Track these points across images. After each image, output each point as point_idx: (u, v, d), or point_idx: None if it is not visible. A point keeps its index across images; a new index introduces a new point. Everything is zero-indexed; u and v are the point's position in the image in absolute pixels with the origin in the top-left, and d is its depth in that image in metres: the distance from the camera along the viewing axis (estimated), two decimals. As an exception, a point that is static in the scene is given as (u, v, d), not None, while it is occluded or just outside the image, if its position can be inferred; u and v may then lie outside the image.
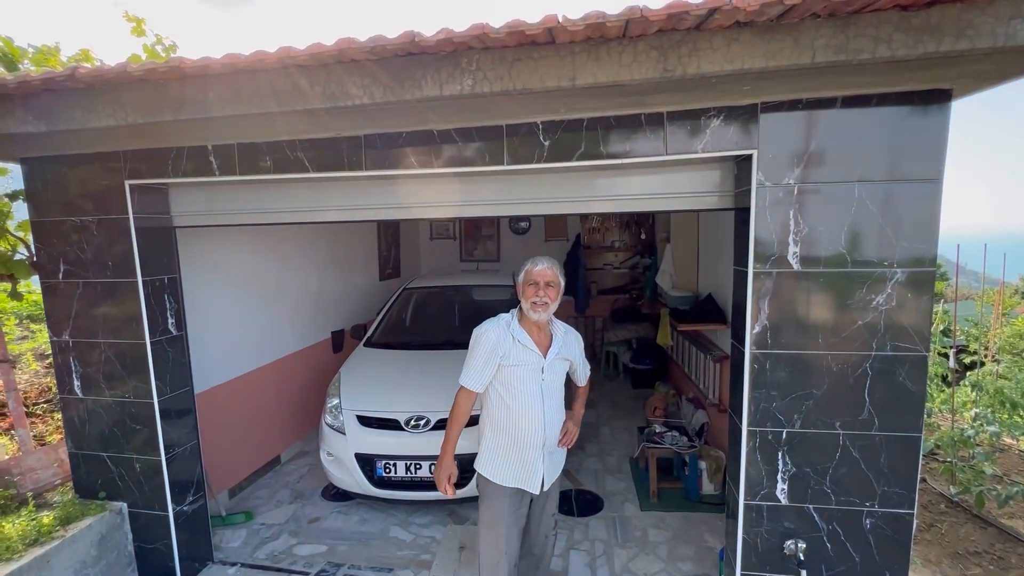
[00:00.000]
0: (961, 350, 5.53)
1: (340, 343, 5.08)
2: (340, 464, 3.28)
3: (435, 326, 4.58)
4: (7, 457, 2.93)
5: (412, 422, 3.21)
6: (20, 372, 4.15)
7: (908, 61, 1.52)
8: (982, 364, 5.28)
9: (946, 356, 4.21)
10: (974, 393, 4.21)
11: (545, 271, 2.09)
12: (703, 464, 3.49)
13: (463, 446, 3.12)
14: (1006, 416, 3.82)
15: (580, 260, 6.83)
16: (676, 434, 3.71)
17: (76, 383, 2.70)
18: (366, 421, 3.29)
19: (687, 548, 2.99)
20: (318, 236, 4.81)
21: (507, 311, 2.22)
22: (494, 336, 2.07)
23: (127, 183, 2.49)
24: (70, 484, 2.84)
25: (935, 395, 4.70)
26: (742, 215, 2.07)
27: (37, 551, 2.29)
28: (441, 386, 3.44)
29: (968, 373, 5.07)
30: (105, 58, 4.36)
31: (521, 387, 2.07)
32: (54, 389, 4.01)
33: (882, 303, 1.94)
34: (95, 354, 2.65)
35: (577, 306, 6.81)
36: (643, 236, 7.03)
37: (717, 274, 3.94)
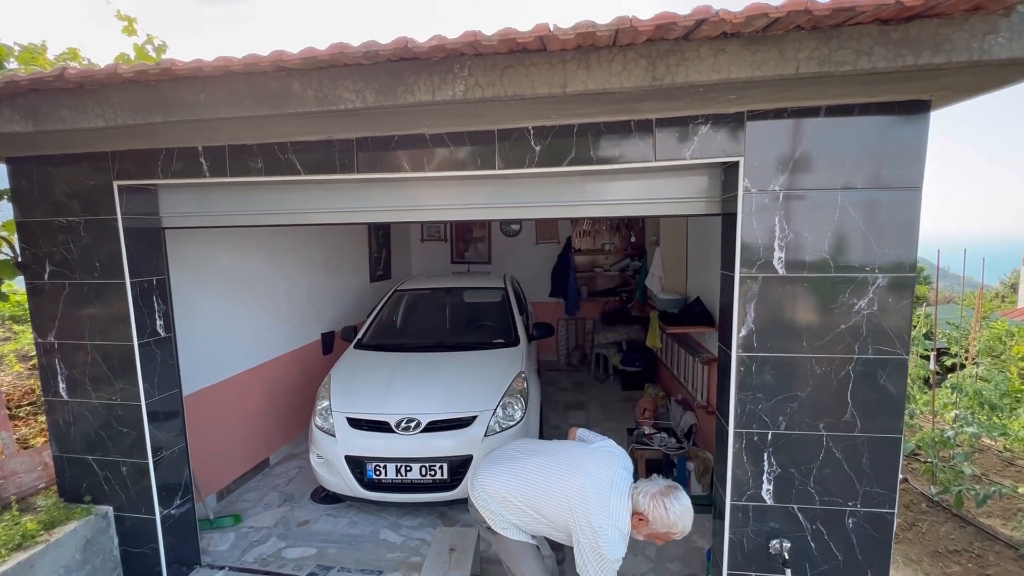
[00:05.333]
0: (942, 353, 5.65)
1: (330, 345, 5.05)
2: (330, 467, 3.27)
3: (426, 328, 4.59)
4: (-11, 461, 2.87)
5: (403, 424, 3.21)
6: (2, 374, 4.07)
7: (888, 73, 1.56)
8: (962, 367, 5.39)
9: (927, 359, 4.30)
10: (954, 395, 4.31)
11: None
12: (691, 465, 3.53)
13: (452, 447, 3.16)
14: (984, 417, 3.92)
15: (571, 262, 6.88)
16: (665, 436, 3.75)
17: (61, 385, 2.66)
18: (356, 423, 3.28)
19: (675, 548, 3.02)
20: (309, 237, 4.79)
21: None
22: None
23: (115, 183, 2.47)
24: (54, 488, 2.80)
25: (917, 397, 4.80)
26: (729, 220, 2.11)
27: (20, 556, 2.26)
28: (431, 388, 3.46)
29: (949, 375, 5.18)
30: (93, 57, 4.32)
31: None
32: (38, 391, 3.95)
33: (864, 307, 1.99)
34: (81, 356, 2.62)
35: (568, 308, 6.86)
36: (633, 239, 7.09)
37: (705, 277, 4.00)
